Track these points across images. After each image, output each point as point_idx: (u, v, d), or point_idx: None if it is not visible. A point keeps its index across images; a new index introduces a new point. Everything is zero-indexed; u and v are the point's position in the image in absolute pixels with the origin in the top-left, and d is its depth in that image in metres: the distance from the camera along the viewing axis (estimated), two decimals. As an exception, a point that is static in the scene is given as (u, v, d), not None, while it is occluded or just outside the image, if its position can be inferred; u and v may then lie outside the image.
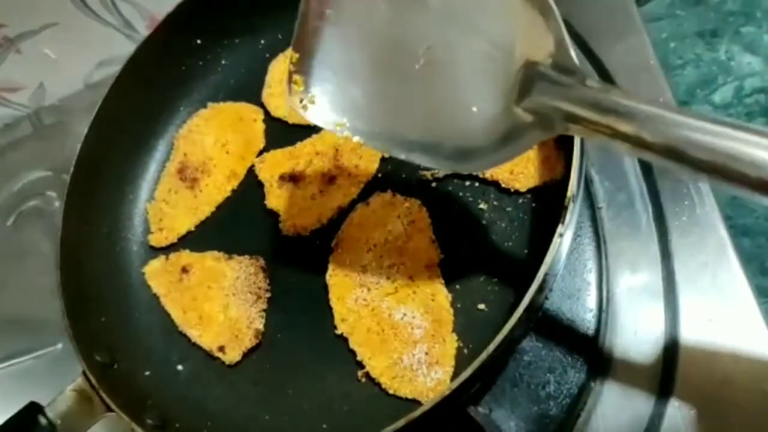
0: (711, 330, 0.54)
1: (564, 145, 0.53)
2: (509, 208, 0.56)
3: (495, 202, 0.56)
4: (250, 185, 0.66)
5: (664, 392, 0.52)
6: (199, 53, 0.73)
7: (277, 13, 0.72)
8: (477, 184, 0.58)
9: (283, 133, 0.67)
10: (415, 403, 0.50)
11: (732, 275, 0.55)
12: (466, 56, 0.44)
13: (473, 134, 0.44)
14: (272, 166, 0.64)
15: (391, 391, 0.51)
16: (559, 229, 0.43)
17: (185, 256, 0.63)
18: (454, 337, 0.52)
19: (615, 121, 0.36)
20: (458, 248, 0.55)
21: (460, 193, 0.58)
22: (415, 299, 0.53)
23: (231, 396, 0.57)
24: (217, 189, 0.67)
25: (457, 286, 0.54)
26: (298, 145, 0.65)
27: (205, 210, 0.66)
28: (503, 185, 0.56)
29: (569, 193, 0.44)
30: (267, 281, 0.60)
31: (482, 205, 0.56)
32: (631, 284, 0.57)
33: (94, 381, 0.51)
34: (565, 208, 0.44)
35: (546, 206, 0.54)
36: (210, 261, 0.62)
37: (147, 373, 0.58)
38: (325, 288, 0.57)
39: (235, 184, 0.67)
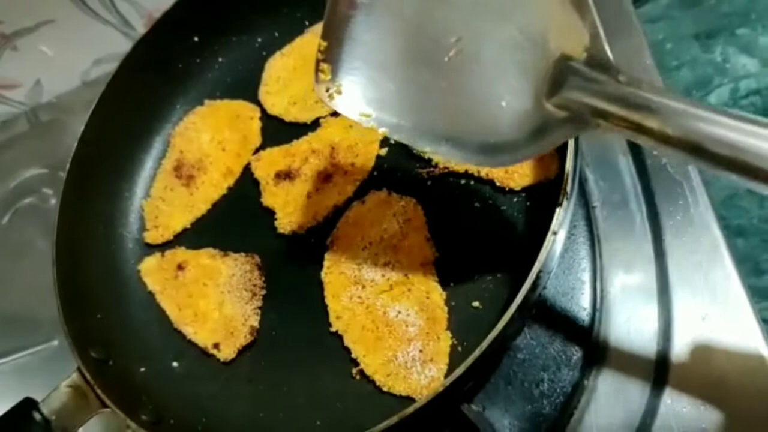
0: (704, 329, 0.54)
1: (558, 144, 0.53)
2: (504, 207, 0.56)
3: (490, 201, 0.57)
4: (246, 183, 0.66)
5: (657, 390, 0.53)
6: (195, 51, 0.73)
7: (274, 11, 0.73)
8: (472, 182, 0.58)
9: (280, 131, 0.67)
10: (410, 400, 0.50)
11: (725, 275, 0.55)
12: (496, 49, 0.43)
13: (502, 129, 0.43)
14: (268, 164, 0.65)
15: (385, 389, 0.51)
16: (553, 227, 0.43)
17: (181, 254, 0.64)
18: (449, 334, 0.52)
19: (645, 118, 0.36)
20: (453, 246, 0.55)
21: (456, 192, 0.58)
22: (409, 297, 0.54)
23: (226, 393, 0.57)
24: (213, 186, 0.67)
25: (452, 284, 0.54)
26: (295, 143, 0.65)
27: (201, 207, 0.66)
28: (498, 184, 0.56)
29: (563, 192, 0.44)
30: (262, 279, 0.60)
31: (477, 204, 0.57)
32: (625, 283, 0.58)
33: (89, 377, 0.51)
34: (559, 206, 0.44)
35: (540, 205, 0.54)
36: (205, 258, 0.62)
37: (142, 369, 0.59)
38: (320, 286, 0.57)
39: (231, 181, 0.67)
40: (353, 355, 0.53)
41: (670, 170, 0.60)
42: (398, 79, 0.46)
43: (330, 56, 0.47)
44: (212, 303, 0.59)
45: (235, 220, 0.65)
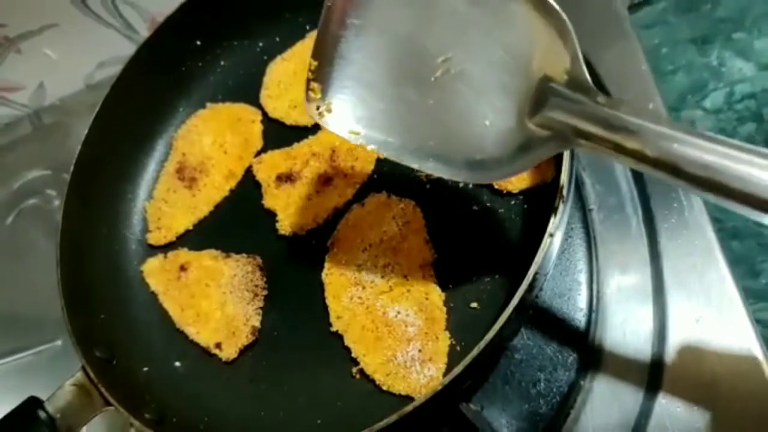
0: (698, 330, 0.55)
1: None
2: (502, 210, 0.57)
3: (488, 204, 0.57)
4: (248, 185, 0.67)
5: (652, 391, 0.54)
6: (198, 55, 0.74)
7: (275, 16, 0.73)
8: (470, 185, 0.59)
9: (281, 134, 0.68)
10: (409, 399, 0.51)
11: (719, 277, 0.56)
12: (482, 70, 0.45)
13: (486, 146, 0.45)
14: (270, 167, 0.66)
15: (384, 388, 0.52)
16: (550, 229, 0.44)
17: (183, 255, 0.64)
18: (447, 334, 0.53)
19: (623, 139, 0.37)
20: (452, 248, 0.56)
21: (454, 195, 0.59)
22: (409, 298, 0.54)
23: (227, 392, 0.57)
24: (215, 189, 0.68)
25: (451, 285, 0.55)
26: (295, 146, 0.66)
27: (203, 209, 0.67)
28: (496, 187, 0.57)
29: (559, 196, 0.45)
30: (264, 279, 0.61)
31: (475, 206, 0.58)
32: (621, 285, 0.58)
33: (93, 376, 0.52)
34: (556, 209, 0.45)
35: (537, 207, 0.55)
36: (208, 259, 0.63)
37: (145, 369, 0.59)
38: (320, 286, 0.58)
39: (233, 183, 0.68)
40: (353, 355, 0.54)
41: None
42: (387, 98, 0.47)
43: (320, 75, 0.48)
44: (214, 303, 0.60)
45: (236, 221, 0.66)
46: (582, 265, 0.58)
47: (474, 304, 0.54)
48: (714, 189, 0.35)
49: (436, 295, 0.54)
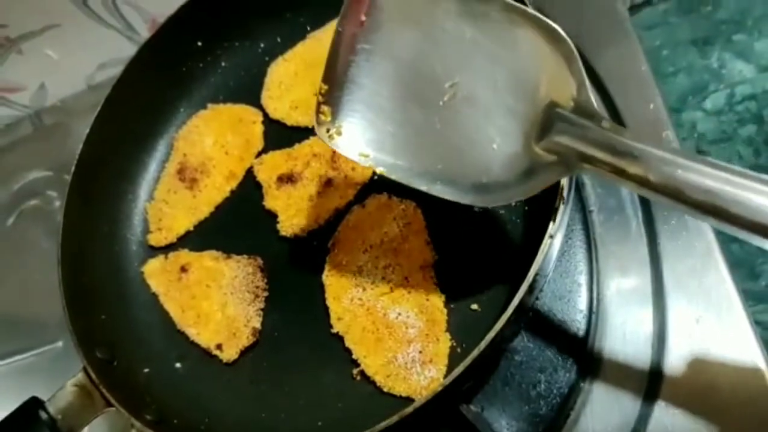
0: (698, 332, 0.55)
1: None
2: (502, 211, 0.57)
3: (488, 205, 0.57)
4: (249, 186, 0.67)
5: (652, 393, 0.54)
6: (199, 56, 0.74)
7: (276, 17, 0.73)
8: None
9: (282, 135, 0.68)
10: (409, 401, 0.51)
11: (719, 279, 0.56)
12: (489, 94, 0.45)
13: (493, 170, 0.46)
14: (270, 168, 0.66)
15: (385, 389, 0.52)
16: (550, 231, 0.44)
17: (184, 256, 0.64)
18: (448, 336, 0.53)
19: (627, 164, 0.38)
20: (452, 250, 0.56)
21: (455, 196, 0.59)
22: (409, 299, 0.55)
23: (228, 393, 0.58)
24: (216, 189, 0.68)
25: (451, 287, 0.55)
26: (296, 147, 0.66)
27: (204, 210, 0.67)
28: (497, 188, 0.57)
29: (559, 197, 0.45)
30: (265, 281, 0.61)
31: (476, 208, 0.58)
32: (621, 286, 0.59)
33: (94, 376, 0.52)
34: (556, 211, 0.45)
35: (538, 209, 0.55)
36: (208, 260, 0.63)
37: (146, 370, 0.59)
38: (321, 288, 0.58)
39: (233, 184, 0.68)
40: (354, 356, 0.54)
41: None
42: (395, 122, 0.48)
43: (330, 99, 0.49)
44: (215, 304, 0.60)
45: (237, 222, 0.66)
46: (582, 267, 0.58)
47: (474, 306, 0.54)
48: (715, 214, 0.35)
49: (436, 296, 0.54)
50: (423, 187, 0.48)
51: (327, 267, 0.58)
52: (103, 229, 0.67)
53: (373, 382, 0.53)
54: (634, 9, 0.95)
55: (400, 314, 0.54)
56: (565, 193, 0.45)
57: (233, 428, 0.56)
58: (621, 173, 0.39)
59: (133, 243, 0.68)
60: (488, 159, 0.45)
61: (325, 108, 0.49)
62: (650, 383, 0.54)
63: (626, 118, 0.65)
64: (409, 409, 0.43)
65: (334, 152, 0.63)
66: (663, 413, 0.53)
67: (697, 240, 0.58)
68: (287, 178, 0.64)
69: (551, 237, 0.44)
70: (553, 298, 0.57)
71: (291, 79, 0.70)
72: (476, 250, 0.56)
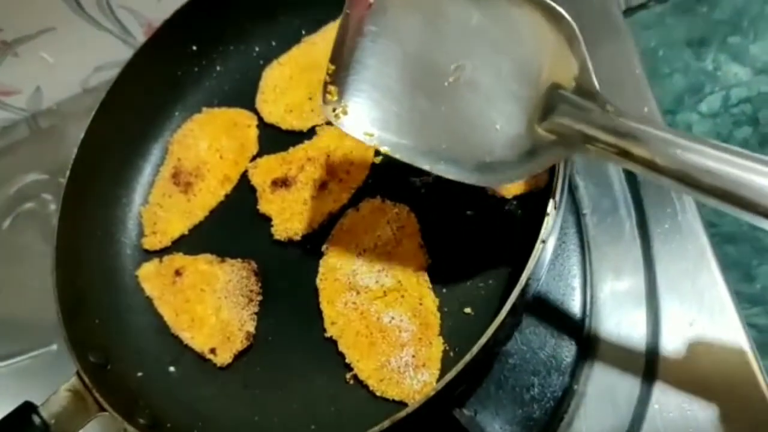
0: (691, 334, 0.55)
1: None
2: (496, 215, 0.57)
3: (482, 209, 0.57)
4: (243, 190, 0.67)
5: (645, 395, 0.54)
6: (194, 60, 0.74)
7: (271, 22, 0.74)
8: (464, 190, 0.58)
9: (276, 139, 0.68)
10: (402, 405, 0.51)
11: (712, 281, 0.56)
12: (493, 76, 0.46)
13: (496, 150, 0.46)
14: (265, 172, 0.66)
15: (378, 394, 0.52)
16: (542, 236, 0.44)
17: (179, 259, 0.64)
18: (441, 340, 0.53)
19: (630, 145, 0.39)
20: (446, 253, 0.56)
21: (448, 200, 0.59)
22: (403, 303, 0.55)
23: (221, 397, 0.58)
24: (210, 193, 0.68)
25: (444, 291, 0.55)
26: (291, 151, 0.66)
27: (199, 214, 0.67)
28: (490, 192, 0.57)
29: (552, 201, 0.45)
30: (259, 284, 0.61)
31: (470, 212, 0.58)
32: (615, 289, 0.59)
33: (87, 381, 0.52)
34: (548, 215, 0.45)
35: (531, 213, 0.55)
36: (203, 264, 0.63)
37: (139, 374, 0.59)
38: (315, 291, 0.58)
39: (228, 188, 0.68)
40: (347, 360, 0.54)
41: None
42: (401, 102, 0.49)
43: (337, 79, 0.50)
44: (209, 308, 0.60)
45: (232, 226, 0.66)
46: (576, 269, 0.58)
47: (468, 310, 0.54)
48: (716, 194, 0.36)
49: (430, 300, 0.54)
50: (426, 167, 0.48)
51: (321, 271, 0.58)
52: (97, 232, 0.67)
53: (366, 387, 0.53)
54: (630, 10, 0.95)
55: (393, 318, 0.54)
56: (557, 197, 0.45)
57: (227, 432, 0.56)
58: (624, 154, 0.39)
59: (128, 247, 0.68)
60: (491, 139, 0.46)
61: (332, 88, 0.50)
62: (644, 384, 0.54)
63: (620, 120, 0.65)
64: (402, 414, 0.43)
65: (329, 156, 0.64)
66: (656, 415, 0.53)
67: (690, 242, 0.58)
68: (281, 182, 0.64)
69: (543, 242, 0.44)
70: (547, 301, 0.57)
71: (286, 82, 0.70)
72: (469, 254, 0.56)
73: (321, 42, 0.71)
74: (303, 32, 0.73)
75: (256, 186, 0.66)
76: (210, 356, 0.59)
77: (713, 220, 0.64)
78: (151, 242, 0.67)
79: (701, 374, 0.53)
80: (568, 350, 0.56)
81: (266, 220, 0.63)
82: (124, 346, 0.61)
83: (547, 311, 0.56)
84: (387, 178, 0.62)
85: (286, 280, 0.61)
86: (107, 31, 0.87)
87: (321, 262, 0.59)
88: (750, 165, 0.35)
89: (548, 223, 0.45)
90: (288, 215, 0.62)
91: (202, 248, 0.65)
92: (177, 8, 0.70)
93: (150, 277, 0.64)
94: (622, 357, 0.56)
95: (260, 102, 0.71)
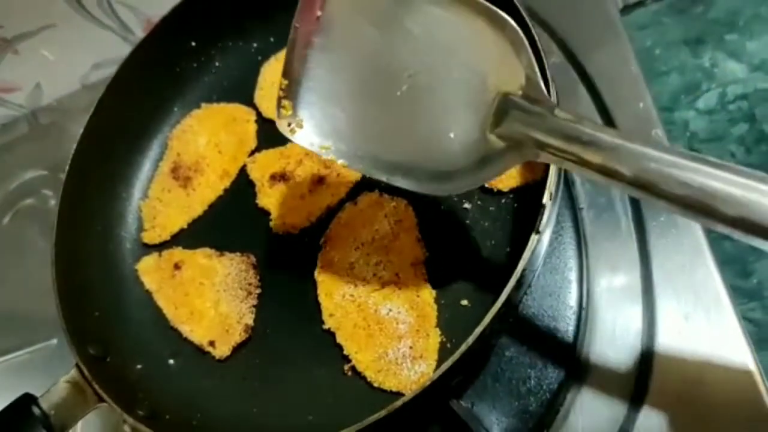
0: (687, 328, 0.55)
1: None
2: (492, 208, 0.57)
3: (479, 202, 0.58)
4: (242, 184, 0.67)
5: (641, 390, 0.54)
6: (193, 55, 0.75)
7: (269, 17, 0.74)
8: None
9: (275, 134, 0.67)
10: (400, 396, 0.51)
11: (708, 276, 0.57)
12: (445, 84, 0.46)
13: (451, 158, 0.46)
14: (263, 166, 0.66)
15: (376, 385, 0.52)
16: (537, 227, 0.45)
17: (178, 253, 0.65)
18: (438, 332, 0.53)
19: (580, 150, 0.38)
20: (443, 246, 0.57)
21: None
22: (400, 295, 0.55)
23: (220, 389, 0.58)
24: (209, 188, 0.68)
25: (441, 283, 0.55)
26: (289, 145, 0.66)
27: (198, 208, 0.67)
28: (487, 186, 0.57)
29: (547, 193, 0.46)
30: (257, 278, 0.61)
31: (466, 205, 0.58)
32: (611, 283, 0.59)
33: (87, 373, 0.52)
34: (543, 207, 0.45)
35: (527, 206, 0.56)
36: (202, 258, 0.64)
37: (139, 366, 0.60)
38: (313, 284, 0.58)
39: (227, 183, 0.68)
40: (345, 352, 0.54)
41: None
42: (354, 113, 0.49)
43: (290, 93, 0.50)
44: (208, 301, 0.61)
45: (230, 220, 0.67)
46: (572, 263, 0.58)
47: (464, 302, 0.54)
48: (672, 200, 0.35)
49: (427, 292, 0.55)
50: (383, 178, 0.49)
51: (319, 264, 0.59)
52: (97, 227, 0.67)
53: (364, 378, 0.53)
54: (626, 9, 0.96)
55: (390, 310, 0.54)
56: (552, 190, 0.46)
57: (225, 424, 0.56)
58: (576, 159, 0.39)
59: (128, 241, 0.68)
60: (446, 148, 0.46)
61: (285, 102, 0.50)
62: (639, 379, 0.54)
63: (616, 116, 0.66)
64: (398, 403, 0.43)
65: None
66: (651, 410, 0.53)
67: (686, 237, 0.58)
68: (280, 177, 0.64)
69: (538, 233, 0.45)
70: (543, 295, 0.57)
71: (284, 78, 0.71)
72: (466, 247, 0.56)
73: (319, 38, 0.71)
74: (301, 28, 0.73)
75: (255, 180, 0.66)
76: (209, 349, 0.59)
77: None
78: (150, 236, 0.67)
79: (696, 368, 0.53)
80: (564, 343, 0.56)
81: (265, 214, 0.64)
82: (124, 339, 0.61)
83: (543, 305, 0.57)
84: (385, 172, 0.62)
85: (285, 273, 0.61)
86: (107, 27, 0.87)
87: (319, 255, 0.59)
88: (705, 169, 0.34)
89: (543, 215, 0.45)
90: (286, 209, 0.63)
91: (201, 242, 0.65)
92: (175, 5, 0.71)
93: (149, 270, 0.65)
94: (618, 350, 0.56)
95: (259, 97, 0.71)
